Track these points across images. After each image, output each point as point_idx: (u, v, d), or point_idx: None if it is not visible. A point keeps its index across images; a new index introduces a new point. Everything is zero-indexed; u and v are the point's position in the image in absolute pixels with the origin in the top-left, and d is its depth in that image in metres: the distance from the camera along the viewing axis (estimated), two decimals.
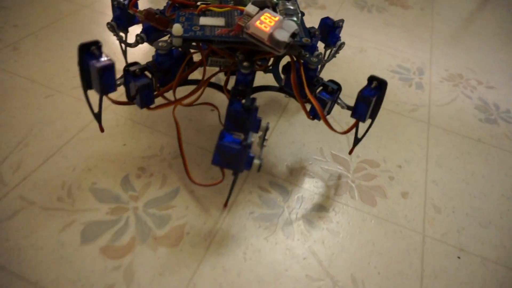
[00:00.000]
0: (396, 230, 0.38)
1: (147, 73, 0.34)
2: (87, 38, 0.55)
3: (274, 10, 0.36)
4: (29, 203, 0.34)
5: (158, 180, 0.38)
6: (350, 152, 0.43)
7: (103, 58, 0.29)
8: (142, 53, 0.55)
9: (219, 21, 0.35)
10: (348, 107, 0.37)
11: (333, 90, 0.36)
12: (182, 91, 0.40)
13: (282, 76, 0.39)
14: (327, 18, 0.43)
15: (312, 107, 0.37)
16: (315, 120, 0.38)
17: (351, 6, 0.78)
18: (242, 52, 0.35)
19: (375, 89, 0.34)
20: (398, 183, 0.42)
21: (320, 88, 0.36)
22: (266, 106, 0.49)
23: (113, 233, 0.33)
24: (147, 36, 0.40)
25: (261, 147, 0.35)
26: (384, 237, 0.37)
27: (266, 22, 0.31)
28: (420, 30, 0.74)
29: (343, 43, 0.44)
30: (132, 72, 0.32)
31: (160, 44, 0.33)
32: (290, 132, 0.46)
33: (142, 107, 0.34)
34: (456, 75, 0.63)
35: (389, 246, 0.36)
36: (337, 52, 0.44)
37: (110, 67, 0.30)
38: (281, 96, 0.51)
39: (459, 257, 0.37)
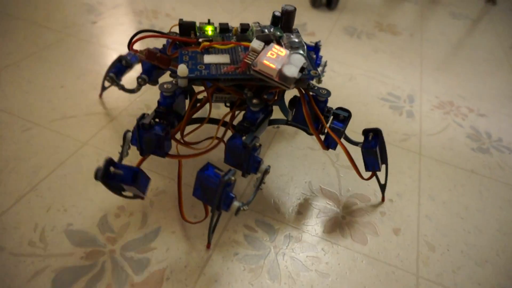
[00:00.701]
0: (389, 271, 0.36)
1: (157, 120, 0.32)
2: (71, 67, 0.54)
3: (279, 43, 0.35)
4: None
5: (138, 220, 0.36)
6: (383, 200, 0.43)
7: (127, 173, 0.29)
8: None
9: (224, 58, 0.34)
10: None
11: (345, 117, 0.35)
12: (188, 128, 0.38)
13: (289, 110, 0.38)
14: (306, 43, 0.43)
15: (325, 138, 0.37)
16: (304, 153, 0.37)
17: (341, 33, 0.78)
18: (250, 89, 0.34)
19: (373, 140, 0.35)
20: (389, 218, 0.41)
21: (331, 118, 0.36)
22: None
23: (86, 280, 0.31)
24: (148, 76, 0.39)
25: (256, 190, 0.34)
26: (376, 279, 0.35)
27: (273, 58, 0.30)
28: (409, 56, 0.74)
29: (326, 62, 0.48)
30: (147, 125, 0.30)
31: (165, 86, 0.32)
32: (278, 165, 0.45)
33: (165, 156, 0.32)
34: (447, 103, 0.62)
35: None
36: (323, 71, 0.47)
37: (139, 174, 0.30)
38: (270, 126, 0.50)
39: None
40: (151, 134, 0.31)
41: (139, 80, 0.39)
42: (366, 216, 0.41)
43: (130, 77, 0.54)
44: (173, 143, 0.34)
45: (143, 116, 0.31)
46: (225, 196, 0.30)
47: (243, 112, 0.38)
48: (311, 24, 0.79)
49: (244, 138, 0.31)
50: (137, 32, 0.36)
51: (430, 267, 0.37)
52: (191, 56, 0.34)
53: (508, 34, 0.93)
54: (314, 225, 0.39)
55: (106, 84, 0.48)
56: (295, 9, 0.37)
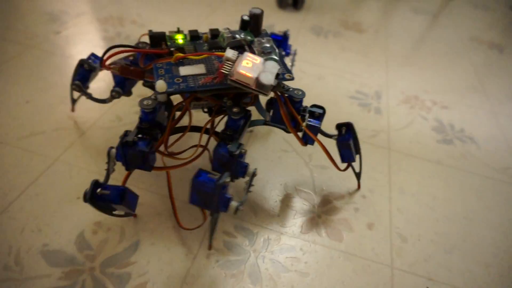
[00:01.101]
0: (365, 265, 0.37)
1: (139, 136, 0.32)
2: (36, 81, 0.53)
3: (250, 48, 0.36)
4: None
5: (116, 234, 0.36)
6: (358, 187, 0.45)
7: (114, 193, 0.31)
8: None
9: (199, 69, 0.34)
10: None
11: (320, 114, 0.37)
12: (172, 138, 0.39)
13: (266, 111, 0.39)
14: (273, 34, 0.45)
15: (303, 135, 0.38)
16: (278, 155, 0.38)
17: (308, 33, 0.79)
18: (228, 96, 0.35)
19: (347, 133, 0.38)
20: (363, 214, 0.42)
21: (307, 115, 0.37)
22: None
23: None
24: (121, 88, 0.39)
25: (246, 192, 0.35)
26: (353, 273, 0.37)
27: (249, 67, 0.30)
28: (375, 53, 0.77)
29: (296, 50, 0.51)
30: (131, 142, 0.31)
31: (145, 102, 0.32)
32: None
33: (151, 169, 0.33)
34: (412, 97, 0.65)
35: (359, 283, 0.36)
36: (294, 60, 0.49)
37: (126, 193, 0.32)
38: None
39: None
40: (135, 151, 0.31)
41: (113, 93, 0.38)
42: (340, 213, 0.42)
43: (99, 88, 0.53)
44: (158, 155, 0.34)
45: (126, 133, 0.32)
46: (222, 198, 0.31)
47: (223, 117, 0.39)
48: (279, 25, 0.80)
49: (229, 146, 0.32)
50: (109, 48, 0.36)
51: (403, 258, 0.39)
52: (166, 69, 0.34)
53: (466, 26, 0.98)
54: (291, 226, 0.40)
55: (75, 95, 0.47)
56: (262, 12, 0.38)
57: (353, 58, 0.73)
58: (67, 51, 0.60)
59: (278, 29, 0.78)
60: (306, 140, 0.38)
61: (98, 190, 0.30)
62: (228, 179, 0.30)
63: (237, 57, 0.32)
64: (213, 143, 0.35)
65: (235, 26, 0.76)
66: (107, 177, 0.34)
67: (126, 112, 0.50)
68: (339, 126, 0.39)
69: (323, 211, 0.42)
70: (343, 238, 0.40)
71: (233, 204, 0.31)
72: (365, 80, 0.67)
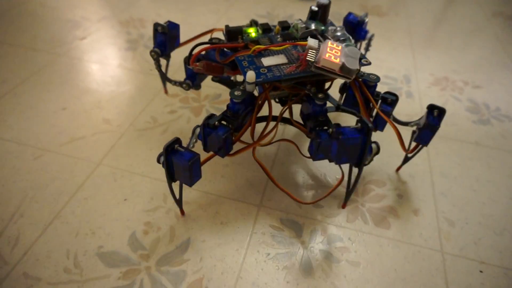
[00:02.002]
0: (415, 251, 0.37)
1: (223, 122, 0.34)
2: (70, 88, 0.53)
3: (323, 37, 0.37)
4: (35, 280, 0.32)
5: (167, 234, 0.37)
6: (398, 169, 0.45)
7: (188, 154, 0.31)
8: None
9: (281, 59, 0.36)
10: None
11: (392, 101, 0.37)
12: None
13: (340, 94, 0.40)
14: (350, 14, 0.45)
15: (374, 121, 0.38)
16: None
17: None
18: (311, 85, 0.35)
19: (438, 117, 0.37)
20: (407, 200, 0.42)
21: (380, 101, 0.37)
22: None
23: None
24: (191, 81, 0.41)
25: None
26: (405, 260, 0.36)
27: (333, 53, 0.31)
28: (399, 36, 0.75)
29: (373, 35, 0.49)
30: (212, 125, 0.33)
31: (235, 93, 0.33)
32: (293, 160, 0.45)
33: (224, 156, 0.34)
34: (442, 78, 0.63)
35: (411, 270, 0.36)
36: (369, 45, 0.48)
37: (197, 161, 0.32)
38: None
39: (481, 271, 0.36)
40: (213, 134, 0.33)
41: (184, 85, 0.40)
42: (384, 200, 0.42)
43: (129, 91, 0.54)
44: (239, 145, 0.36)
45: (210, 116, 0.34)
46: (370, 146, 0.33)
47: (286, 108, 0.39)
48: (298, 15, 0.79)
49: (330, 130, 0.33)
50: (193, 48, 0.37)
51: (453, 242, 0.38)
52: (249, 61, 0.36)
53: (488, 1, 0.95)
54: (336, 216, 0.40)
55: (168, 77, 0.46)
56: (330, 2, 0.40)
57: (377, 43, 0.72)
58: (93, 56, 0.60)
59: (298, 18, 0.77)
60: (376, 125, 0.38)
61: (176, 146, 0.31)
62: (372, 125, 0.32)
63: (319, 45, 0.33)
64: (290, 130, 0.35)
65: (256, 18, 0.75)
66: (187, 146, 0.35)
67: (160, 113, 0.51)
68: (432, 107, 0.37)
69: (367, 200, 0.42)
70: (390, 225, 0.39)
71: (374, 146, 0.34)
72: (391, 65, 0.66)
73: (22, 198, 0.39)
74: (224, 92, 0.55)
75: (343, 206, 0.40)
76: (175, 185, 0.35)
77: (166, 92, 0.50)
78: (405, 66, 0.66)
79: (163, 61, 0.49)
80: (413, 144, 0.41)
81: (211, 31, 0.43)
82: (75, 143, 0.45)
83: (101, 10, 0.74)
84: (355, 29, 0.46)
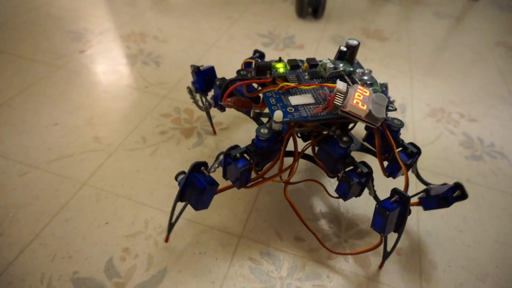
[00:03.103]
0: None
1: (245, 155, 0.34)
2: (64, 102, 0.54)
3: (350, 78, 0.38)
4: None
5: (144, 262, 0.37)
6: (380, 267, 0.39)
7: (210, 179, 0.33)
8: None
9: (308, 99, 0.36)
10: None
11: (413, 153, 0.37)
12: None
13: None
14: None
15: (388, 165, 0.38)
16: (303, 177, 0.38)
17: (328, 43, 0.78)
18: (336, 126, 0.36)
19: (457, 199, 0.38)
20: (390, 238, 0.41)
21: (400, 148, 0.38)
22: None
23: None
24: (214, 102, 0.42)
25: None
26: None
27: (360, 99, 0.32)
28: (398, 62, 0.75)
29: (387, 83, 0.51)
30: (233, 156, 0.33)
31: (261, 131, 0.34)
32: (278, 192, 0.45)
33: (240, 187, 0.35)
34: (438, 109, 0.63)
35: None
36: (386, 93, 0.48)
37: (213, 189, 0.33)
38: None
39: None
40: (233, 165, 0.33)
41: (207, 103, 0.42)
42: (368, 238, 0.41)
43: (123, 108, 0.54)
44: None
45: (234, 147, 0.34)
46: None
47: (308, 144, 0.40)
48: (299, 36, 0.79)
49: (359, 170, 0.34)
50: (226, 86, 0.38)
51: (433, 285, 0.38)
52: (277, 98, 0.36)
53: (492, 30, 0.94)
54: (317, 252, 0.39)
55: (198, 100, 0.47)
56: (359, 43, 0.40)
57: (376, 69, 0.72)
58: (92, 70, 0.61)
59: (299, 41, 0.78)
60: (390, 172, 0.38)
61: (202, 168, 0.33)
62: (407, 194, 0.33)
63: (347, 89, 0.33)
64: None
65: (255, 38, 0.76)
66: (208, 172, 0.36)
67: (150, 133, 0.51)
68: (458, 187, 0.38)
69: (350, 236, 0.41)
70: (370, 264, 0.39)
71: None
72: (389, 92, 0.65)
73: (4, 216, 0.39)
74: (217, 114, 0.55)
75: (380, 267, 0.38)
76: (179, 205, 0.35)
77: (214, 132, 0.52)
78: (402, 95, 0.65)
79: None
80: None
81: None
82: (63, 160, 0.45)
83: (105, 22, 0.75)
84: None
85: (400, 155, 0.37)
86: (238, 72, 0.39)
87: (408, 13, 0.98)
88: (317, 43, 0.77)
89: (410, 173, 0.40)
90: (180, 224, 0.40)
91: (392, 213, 0.32)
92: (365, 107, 0.31)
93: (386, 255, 0.37)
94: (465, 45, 0.86)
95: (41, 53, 0.63)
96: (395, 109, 0.36)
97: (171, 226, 0.37)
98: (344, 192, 0.36)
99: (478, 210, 0.46)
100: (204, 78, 0.43)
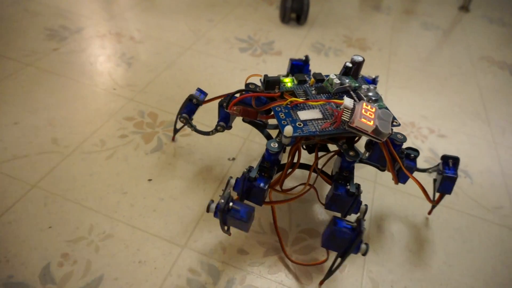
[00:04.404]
0: None
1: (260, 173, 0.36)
2: (28, 101, 0.54)
3: (356, 93, 0.39)
4: None
5: (82, 268, 0.37)
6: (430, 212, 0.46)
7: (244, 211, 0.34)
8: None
9: (316, 114, 0.37)
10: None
11: (415, 156, 0.40)
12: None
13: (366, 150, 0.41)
14: (365, 77, 0.47)
15: (398, 173, 0.40)
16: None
17: (308, 50, 0.78)
18: (343, 141, 0.37)
19: (453, 167, 0.41)
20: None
21: (404, 158, 0.40)
22: (208, 172, 0.48)
23: None
24: (225, 123, 0.43)
25: (362, 230, 0.37)
26: None
27: (367, 115, 0.33)
28: (376, 73, 0.75)
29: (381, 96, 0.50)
30: (253, 178, 0.35)
31: (272, 145, 0.35)
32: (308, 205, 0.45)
33: (262, 204, 0.36)
34: (408, 124, 0.63)
35: None
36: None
37: (253, 216, 0.34)
38: (226, 158, 0.50)
39: None
40: (255, 187, 0.35)
41: (218, 127, 0.43)
42: (313, 253, 0.41)
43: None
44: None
45: (250, 169, 0.35)
46: (358, 243, 0.34)
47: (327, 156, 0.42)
48: (279, 42, 0.79)
49: (348, 187, 0.36)
50: (233, 94, 0.39)
51: None
52: (286, 113, 0.37)
53: (477, 43, 0.94)
54: (259, 265, 0.39)
55: (178, 125, 0.49)
56: (363, 60, 0.42)
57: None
58: (62, 70, 0.61)
59: (277, 47, 0.77)
60: (398, 178, 0.40)
61: (231, 204, 0.33)
62: (364, 227, 0.33)
63: (354, 105, 0.34)
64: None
65: (233, 42, 0.75)
66: (227, 196, 0.36)
67: (110, 136, 0.51)
68: (446, 158, 0.42)
69: (295, 250, 0.41)
70: (312, 280, 0.39)
71: (363, 246, 0.34)
72: None
73: None
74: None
75: (320, 284, 0.39)
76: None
77: (173, 139, 0.51)
78: None
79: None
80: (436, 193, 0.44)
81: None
82: (17, 161, 0.45)
83: (83, 20, 0.75)
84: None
85: (407, 162, 0.40)
86: (246, 85, 0.41)
87: (395, 23, 0.98)
88: (295, 50, 0.77)
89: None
90: (124, 230, 0.40)
91: (340, 233, 0.33)
92: (371, 123, 0.33)
93: (329, 272, 0.37)
94: (448, 58, 0.85)
95: (12, 49, 0.63)
96: (399, 125, 0.38)
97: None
98: (328, 202, 0.37)
99: (430, 229, 0.46)
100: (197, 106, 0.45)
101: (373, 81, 0.49)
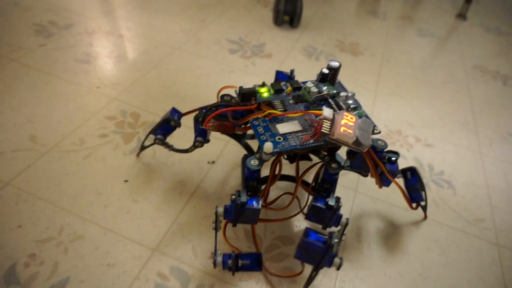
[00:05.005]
0: None
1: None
2: (8, 97, 0.53)
3: (334, 101, 0.39)
4: None
5: (48, 270, 0.36)
6: (425, 217, 0.48)
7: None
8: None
9: (295, 126, 0.36)
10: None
11: (396, 159, 0.39)
12: None
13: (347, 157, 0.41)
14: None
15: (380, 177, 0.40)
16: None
17: (299, 54, 0.77)
18: (325, 152, 0.37)
19: (412, 177, 0.43)
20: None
21: (386, 162, 0.40)
22: (186, 174, 0.48)
23: None
24: (203, 138, 0.41)
25: (339, 242, 0.37)
26: None
27: (347, 126, 0.32)
28: (366, 79, 0.74)
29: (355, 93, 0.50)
30: (245, 203, 0.33)
31: (252, 162, 0.34)
32: (203, 206, 0.44)
33: (257, 222, 0.35)
34: (395, 132, 0.62)
35: None
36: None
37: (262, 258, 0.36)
38: (205, 162, 0.50)
39: None
40: (249, 210, 0.34)
41: (196, 143, 0.41)
42: (287, 261, 0.41)
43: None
44: None
45: (239, 195, 0.34)
46: (329, 256, 0.33)
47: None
48: (270, 45, 0.78)
49: (329, 200, 0.35)
50: (207, 111, 0.37)
51: None
52: (264, 126, 0.36)
53: (472, 52, 0.93)
54: (229, 272, 0.39)
55: (146, 142, 0.47)
56: (340, 65, 0.41)
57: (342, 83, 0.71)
58: (46, 66, 0.60)
59: (268, 49, 0.77)
60: (382, 182, 0.40)
61: (239, 262, 0.34)
62: (336, 240, 0.33)
63: (333, 115, 0.34)
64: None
65: (223, 44, 0.75)
66: (216, 237, 0.36)
67: (90, 135, 0.50)
68: (404, 171, 0.43)
69: (268, 258, 0.41)
70: None
71: (337, 260, 0.34)
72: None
73: None
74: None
75: None
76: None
77: (138, 155, 0.49)
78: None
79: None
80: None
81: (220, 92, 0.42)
82: None
83: (73, 17, 0.74)
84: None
85: (389, 166, 0.39)
86: (221, 97, 0.39)
87: (390, 28, 0.97)
88: (286, 53, 0.77)
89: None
90: (95, 231, 0.40)
91: (311, 246, 0.33)
92: (351, 135, 0.32)
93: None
94: (440, 66, 0.84)
95: None
96: (379, 132, 0.38)
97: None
98: (308, 213, 0.37)
99: (408, 240, 0.45)
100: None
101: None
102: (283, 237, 0.43)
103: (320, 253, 0.33)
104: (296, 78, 0.48)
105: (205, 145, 0.52)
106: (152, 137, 0.43)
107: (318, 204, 0.35)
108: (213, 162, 0.50)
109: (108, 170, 0.46)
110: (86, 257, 0.38)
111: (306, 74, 0.71)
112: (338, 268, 0.35)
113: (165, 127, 0.42)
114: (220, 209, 0.35)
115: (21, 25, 0.68)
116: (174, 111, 0.43)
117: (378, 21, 0.99)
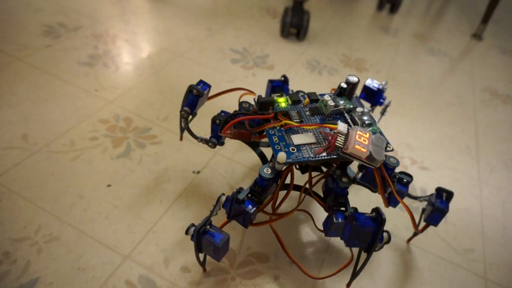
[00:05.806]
0: None
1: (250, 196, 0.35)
2: (8, 95, 0.55)
3: (350, 116, 0.39)
4: None
5: (19, 269, 0.37)
6: (409, 240, 0.47)
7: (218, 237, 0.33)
8: None
9: (310, 138, 0.37)
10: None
11: (408, 182, 0.39)
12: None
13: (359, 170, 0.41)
14: (372, 80, 0.47)
15: (389, 197, 0.39)
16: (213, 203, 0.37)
17: (302, 67, 0.77)
18: (337, 165, 0.37)
19: (446, 201, 0.41)
20: (283, 284, 0.40)
21: (396, 182, 0.39)
22: (169, 183, 0.48)
23: None
24: (217, 140, 0.42)
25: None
26: None
27: (361, 141, 0.33)
28: None
29: (390, 102, 0.49)
30: (241, 200, 0.34)
31: (265, 170, 0.34)
32: (182, 216, 0.44)
33: (247, 226, 0.35)
34: (391, 152, 0.60)
35: None
36: (385, 110, 0.49)
37: (227, 245, 0.34)
38: (190, 171, 0.50)
39: None
40: (242, 209, 0.34)
41: (210, 144, 0.42)
42: (259, 279, 0.40)
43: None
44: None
45: (239, 190, 0.35)
46: (381, 233, 0.34)
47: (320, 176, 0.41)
48: (274, 56, 0.78)
49: (346, 214, 0.35)
50: (226, 119, 0.38)
51: None
52: (279, 136, 0.37)
53: (484, 74, 0.91)
54: (199, 286, 0.38)
55: (183, 124, 0.45)
56: (359, 80, 0.41)
57: None
58: (49, 67, 0.62)
59: (271, 61, 0.77)
60: (389, 202, 0.39)
61: (208, 227, 0.33)
62: (384, 215, 0.34)
63: (348, 130, 0.34)
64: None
65: (227, 53, 0.75)
66: (209, 217, 0.36)
67: (81, 137, 0.51)
68: (440, 190, 0.41)
69: (240, 273, 0.40)
70: None
71: (385, 235, 0.36)
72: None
73: None
74: (154, 126, 0.55)
75: (347, 286, 0.38)
76: None
77: (181, 139, 0.47)
78: None
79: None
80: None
81: (236, 89, 0.43)
82: None
83: (83, 19, 0.76)
84: (374, 95, 0.48)
85: (399, 186, 0.39)
86: (240, 104, 0.40)
87: (400, 46, 0.96)
88: (289, 66, 0.76)
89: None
90: (71, 234, 0.40)
91: (362, 227, 0.34)
92: (365, 150, 0.32)
93: (353, 275, 0.37)
94: (448, 87, 0.82)
95: (7, 43, 0.65)
96: (392, 150, 0.37)
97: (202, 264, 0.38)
98: (325, 228, 0.37)
99: (390, 268, 0.44)
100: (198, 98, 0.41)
101: (379, 90, 0.47)
102: (258, 253, 0.42)
103: (371, 232, 0.34)
104: (291, 89, 0.49)
105: (193, 154, 0.52)
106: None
107: (338, 220, 0.35)
108: (198, 172, 0.50)
109: (93, 173, 0.47)
110: (58, 259, 0.38)
111: (306, 87, 0.71)
112: (387, 242, 0.36)
113: (190, 99, 0.41)
114: (223, 198, 0.36)
115: (31, 25, 0.71)
116: (201, 81, 0.42)
117: (388, 38, 0.98)
